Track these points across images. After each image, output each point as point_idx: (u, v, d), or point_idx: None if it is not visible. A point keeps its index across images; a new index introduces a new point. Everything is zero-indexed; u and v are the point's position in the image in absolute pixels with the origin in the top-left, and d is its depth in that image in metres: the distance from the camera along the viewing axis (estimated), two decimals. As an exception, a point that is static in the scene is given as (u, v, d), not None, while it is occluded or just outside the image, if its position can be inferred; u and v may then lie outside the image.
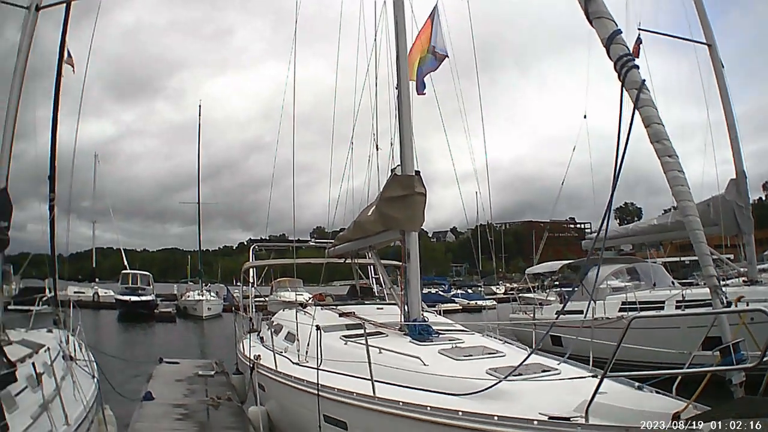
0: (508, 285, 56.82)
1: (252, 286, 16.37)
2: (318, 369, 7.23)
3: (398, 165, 9.96)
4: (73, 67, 11.66)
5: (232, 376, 13.93)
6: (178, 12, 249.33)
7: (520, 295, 24.99)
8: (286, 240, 18.02)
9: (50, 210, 10.45)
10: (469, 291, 61.92)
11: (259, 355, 10.44)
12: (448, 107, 11.48)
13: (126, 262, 53.39)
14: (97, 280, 58.38)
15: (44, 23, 10.17)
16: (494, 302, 51.53)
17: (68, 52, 11.35)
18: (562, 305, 19.25)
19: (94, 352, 11.86)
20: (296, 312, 10.14)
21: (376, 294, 17.02)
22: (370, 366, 6.48)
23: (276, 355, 9.63)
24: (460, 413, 5.18)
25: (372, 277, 18.05)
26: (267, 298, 29.86)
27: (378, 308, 11.45)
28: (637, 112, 5.13)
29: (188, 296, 49.44)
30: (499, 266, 61.21)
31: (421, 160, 10.22)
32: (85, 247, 64.88)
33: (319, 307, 12.20)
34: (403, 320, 9.28)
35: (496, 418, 4.91)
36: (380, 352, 7.15)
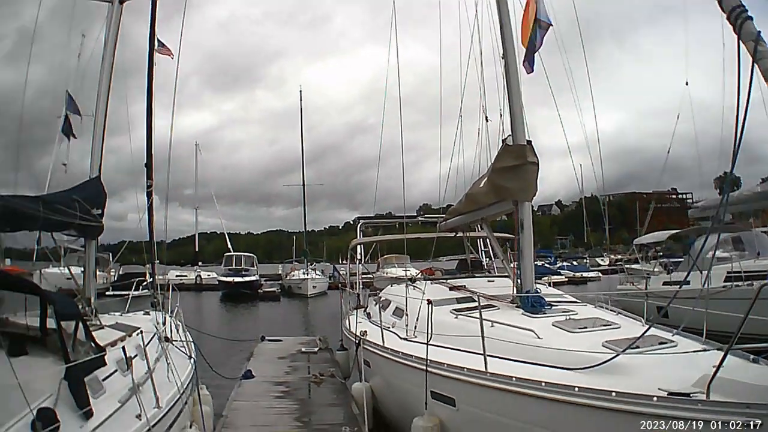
0: (612, 257, 56.86)
1: (359, 263, 16.33)
2: (427, 344, 7.03)
3: (509, 135, 9.60)
4: (170, 54, 11.86)
5: (336, 352, 13.90)
6: (271, 3, 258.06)
7: (627, 266, 24.32)
8: (394, 216, 17.87)
9: (148, 196, 10.91)
10: (575, 263, 61.48)
11: (365, 331, 10.24)
12: (550, 82, 11.20)
13: (230, 245, 55.89)
14: (200, 263, 61.09)
15: (136, 19, 11.07)
16: (599, 274, 53.51)
17: (159, 41, 11.66)
18: (669, 276, 19.07)
19: (192, 333, 12.06)
20: (406, 286, 10.32)
21: (485, 268, 16.68)
22: (483, 340, 6.29)
23: (383, 330, 9.47)
24: (577, 389, 4.94)
25: (481, 251, 17.57)
26: (373, 275, 30.19)
27: (489, 281, 11.29)
28: (756, 65, 4.50)
29: (293, 275, 50.66)
30: (602, 238, 61.26)
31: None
32: (189, 233, 67.87)
33: (428, 281, 11.87)
34: (515, 292, 9.02)
35: (614, 394, 4.67)
36: (492, 326, 6.89)
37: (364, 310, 13.50)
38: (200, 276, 54.96)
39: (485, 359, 6.12)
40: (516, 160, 9.24)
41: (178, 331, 10.46)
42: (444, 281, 11.50)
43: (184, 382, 7.65)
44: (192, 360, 9.06)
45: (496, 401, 5.89)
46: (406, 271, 36.32)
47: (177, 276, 54.53)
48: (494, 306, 8.49)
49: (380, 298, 12.72)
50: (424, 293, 9.10)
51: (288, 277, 51.65)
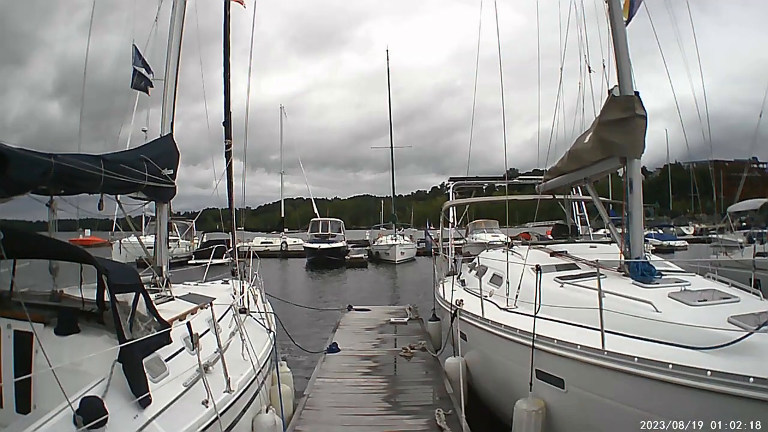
0: (697, 225, 56.21)
1: (451, 227, 15.56)
2: (535, 316, 6.45)
3: (615, 86, 8.74)
4: (242, 2, 11.37)
5: (427, 323, 13.44)
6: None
7: (719, 235, 22.76)
8: (490, 177, 16.92)
9: (227, 157, 10.62)
10: (660, 231, 59.13)
11: (461, 300, 9.66)
12: (644, 44, 10.54)
13: (316, 211, 56.10)
14: (286, 230, 61.73)
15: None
16: (686, 243, 51.88)
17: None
18: (762, 246, 17.76)
19: (274, 303, 11.80)
20: (505, 252, 9.89)
21: (580, 234, 15.70)
22: (601, 313, 5.75)
23: (482, 299, 8.82)
24: (710, 373, 4.45)
25: (576, 216, 16.47)
26: (464, 241, 29.50)
27: (591, 246, 10.59)
28: None
29: (381, 241, 50.78)
30: (687, 206, 60.82)
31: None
32: (275, 199, 68.65)
33: (527, 247, 11.07)
34: (623, 259, 8.29)
35: (751, 380, 4.21)
36: (604, 296, 6.14)
37: (458, 277, 12.91)
38: (286, 242, 55.69)
39: (602, 335, 5.55)
40: (624, 113, 8.51)
41: (257, 301, 10.04)
42: (542, 246, 10.90)
43: (261, 359, 7.24)
44: (271, 334, 8.60)
45: (612, 384, 5.40)
46: (494, 236, 35.58)
47: (262, 243, 55.68)
48: (601, 274, 7.75)
49: (475, 264, 12.05)
50: (525, 259, 8.68)
51: (375, 243, 51.79)
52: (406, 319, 14.41)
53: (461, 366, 8.95)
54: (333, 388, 9.07)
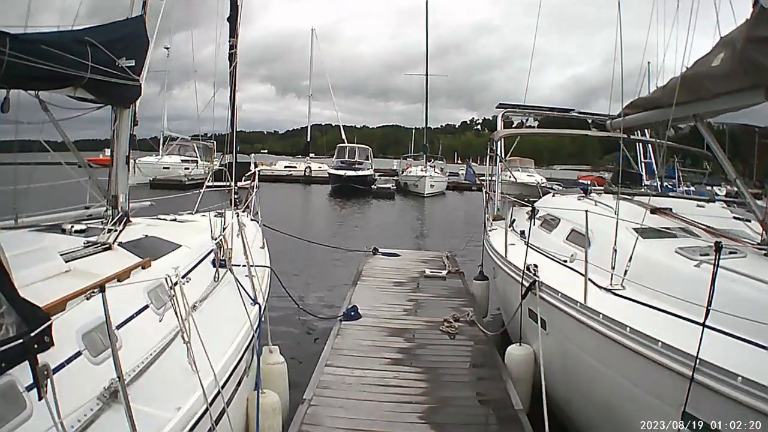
0: (728, 188, 50.51)
1: (500, 162, 12.59)
2: (704, 326, 3.87)
3: None
4: None
5: (472, 281, 10.65)
6: None
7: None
8: (543, 108, 13.88)
9: (230, 59, 9.30)
10: (693, 189, 55.35)
11: (536, 265, 6.97)
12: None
13: (344, 136, 53.60)
14: (312, 155, 59.50)
15: None
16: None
17: None
18: None
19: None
20: (594, 203, 8.00)
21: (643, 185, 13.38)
22: None
23: (586, 280, 6.00)
24: None
25: (640, 162, 13.56)
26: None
27: (698, 206, 8.26)
28: None
29: (409, 172, 48.22)
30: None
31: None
32: (303, 124, 66.54)
33: (611, 196, 8.47)
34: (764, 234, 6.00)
35: None
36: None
37: (511, 225, 10.23)
38: (310, 168, 53.32)
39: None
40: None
41: (250, 244, 7.34)
42: (629, 198, 8.42)
43: (235, 353, 4.53)
44: (259, 307, 5.81)
45: None
46: (529, 176, 32.77)
47: (285, 167, 54.49)
48: (737, 251, 5.57)
49: (535, 211, 9.39)
50: (616, 214, 6.39)
51: (404, 174, 49.28)
52: (444, 272, 11.69)
53: (525, 359, 6.72)
54: (347, 388, 6.17)
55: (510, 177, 16.15)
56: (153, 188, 30.36)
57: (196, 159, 42.82)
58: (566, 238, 7.90)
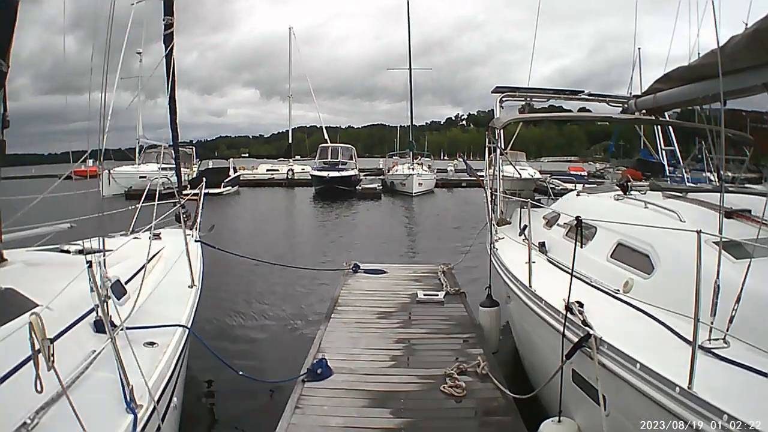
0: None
1: (500, 155, 10.11)
2: None
3: None
4: None
5: (479, 309, 8.13)
6: None
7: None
8: (547, 91, 11.45)
9: (166, 41, 8.14)
10: (687, 176, 54.29)
11: (580, 303, 4.65)
12: None
13: (327, 137, 51.49)
14: (298, 156, 58.16)
15: None
16: None
17: None
18: None
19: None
20: (643, 205, 6.20)
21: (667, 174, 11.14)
22: None
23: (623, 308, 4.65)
24: None
25: (660, 150, 11.33)
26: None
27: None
28: None
29: (396, 170, 45.79)
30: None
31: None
32: (286, 127, 64.40)
33: (660, 193, 6.55)
34: None
35: None
36: None
37: (522, 232, 8.24)
38: (293, 170, 50.96)
39: None
40: None
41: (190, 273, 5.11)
42: (681, 196, 6.46)
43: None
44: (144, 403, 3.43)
45: None
46: (521, 170, 30.52)
47: (267, 170, 53.49)
48: None
49: (555, 216, 7.83)
50: (682, 221, 5.19)
51: (390, 173, 46.74)
52: (441, 294, 9.33)
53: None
54: None
55: (513, 173, 13.77)
56: (129, 199, 28.01)
57: (173, 166, 40.13)
58: (611, 256, 5.73)
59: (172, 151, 35.41)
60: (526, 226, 8.73)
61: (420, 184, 40.99)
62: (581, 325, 4.30)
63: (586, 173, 47.31)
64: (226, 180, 40.48)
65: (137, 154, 42.55)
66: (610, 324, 4.28)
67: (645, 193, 6.98)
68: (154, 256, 6.94)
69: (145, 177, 37.64)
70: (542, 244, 7.38)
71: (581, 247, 6.18)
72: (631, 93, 10.92)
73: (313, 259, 15.36)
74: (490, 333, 7.79)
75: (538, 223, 8.45)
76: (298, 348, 7.39)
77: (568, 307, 4.56)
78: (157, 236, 8.01)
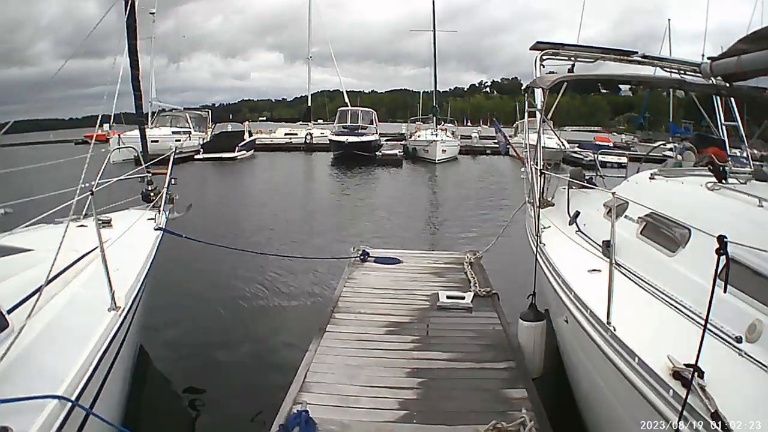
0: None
1: (540, 121, 7.97)
2: None
3: None
4: None
5: (520, 323, 6.01)
6: None
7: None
8: (595, 49, 9.23)
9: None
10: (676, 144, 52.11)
11: (699, 372, 2.83)
12: None
13: (347, 101, 49.45)
14: (320, 120, 56.83)
15: None
16: None
17: None
18: None
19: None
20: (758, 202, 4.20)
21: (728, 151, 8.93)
22: None
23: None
24: None
25: (721, 125, 9.24)
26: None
27: None
28: None
29: (418, 136, 43.47)
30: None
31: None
32: (313, 91, 62.36)
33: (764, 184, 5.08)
34: None
35: None
36: None
37: (573, 221, 6.62)
38: (311, 134, 48.75)
39: None
40: None
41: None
42: None
43: None
44: None
45: None
46: (549, 139, 28.48)
47: (286, 134, 52.01)
48: None
49: (622, 205, 5.71)
50: None
51: (412, 138, 44.34)
52: (469, 297, 7.33)
53: None
54: None
55: (558, 145, 11.72)
56: (138, 164, 26.04)
57: (189, 130, 40.37)
58: (722, 278, 3.54)
59: (187, 115, 34.35)
60: (577, 213, 6.77)
61: (444, 150, 38.83)
62: (704, 404, 2.49)
63: (611, 144, 44.91)
64: (241, 144, 38.87)
65: (149, 118, 41.15)
66: (736, 402, 2.65)
67: (746, 183, 5.00)
68: (87, 253, 5.13)
69: (157, 141, 36.77)
70: (606, 244, 5.39)
71: (670, 255, 4.25)
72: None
73: (318, 240, 13.48)
74: (533, 357, 5.82)
75: (594, 211, 6.47)
76: (276, 386, 5.41)
77: (679, 374, 2.73)
78: (108, 223, 6.19)
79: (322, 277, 10.03)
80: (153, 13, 43.24)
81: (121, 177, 7.01)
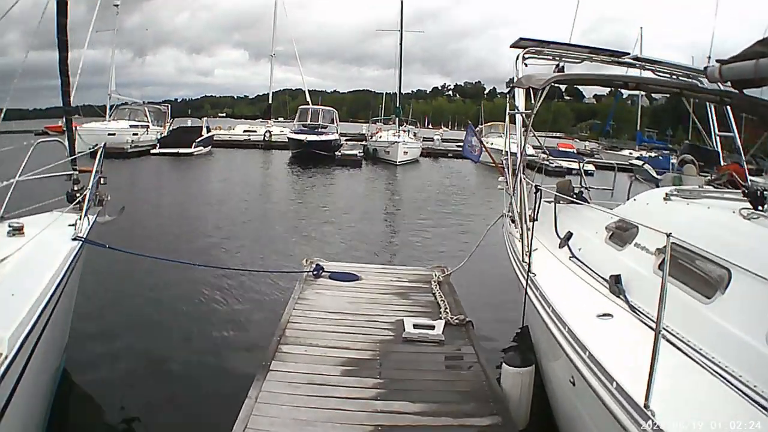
0: None
1: (521, 124, 6.89)
2: None
3: None
4: None
5: (504, 368, 4.92)
6: None
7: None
8: (583, 48, 8.26)
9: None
10: (650, 155, 51.62)
11: None
12: None
13: (308, 99, 48.56)
14: (281, 119, 55.56)
15: None
16: None
17: None
18: None
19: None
20: None
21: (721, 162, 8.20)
22: None
23: None
24: None
25: (714, 135, 8.51)
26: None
27: None
28: None
29: (379, 137, 42.36)
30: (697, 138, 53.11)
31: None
32: (274, 89, 61.30)
33: None
34: None
35: None
36: None
37: (565, 243, 5.79)
38: (270, 132, 47.49)
39: None
40: None
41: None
42: None
43: None
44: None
45: None
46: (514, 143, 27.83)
47: (245, 131, 50.61)
48: None
49: (632, 231, 4.88)
50: None
51: (373, 139, 43.27)
52: (439, 328, 6.25)
53: None
54: None
55: (546, 161, 10.93)
56: (93, 157, 24.42)
57: (147, 124, 39.46)
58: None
59: (146, 109, 32.85)
60: (570, 235, 5.77)
61: (405, 152, 37.91)
62: None
63: (575, 150, 44.67)
64: (198, 140, 37.50)
65: (108, 111, 40.17)
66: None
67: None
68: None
69: (114, 134, 35.40)
70: (615, 280, 4.37)
71: (706, 302, 3.22)
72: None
73: (267, 248, 12.18)
74: (518, 406, 4.77)
75: (592, 234, 5.47)
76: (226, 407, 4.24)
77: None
78: (19, 230, 4.89)
79: (269, 293, 8.77)
80: (117, 5, 42.08)
81: (39, 174, 5.83)
